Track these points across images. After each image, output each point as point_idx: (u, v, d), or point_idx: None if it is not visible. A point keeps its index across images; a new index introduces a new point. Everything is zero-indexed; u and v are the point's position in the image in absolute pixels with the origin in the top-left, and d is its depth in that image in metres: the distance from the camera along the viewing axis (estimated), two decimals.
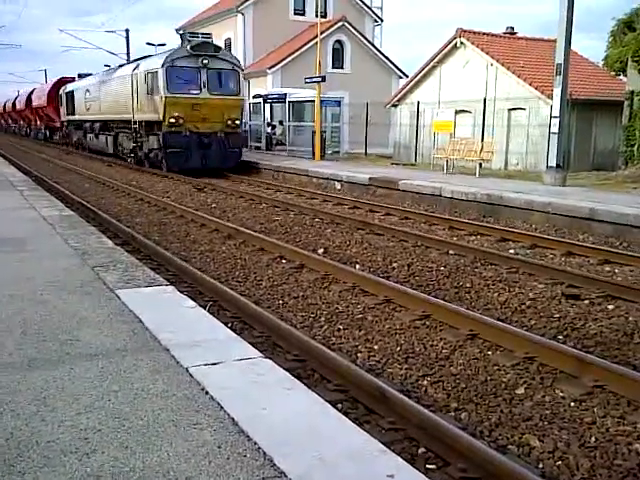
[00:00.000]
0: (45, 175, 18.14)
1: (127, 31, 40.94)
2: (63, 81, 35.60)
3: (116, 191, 15.33)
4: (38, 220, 7.98)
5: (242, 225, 10.45)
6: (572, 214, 10.50)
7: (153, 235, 9.71)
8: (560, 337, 5.39)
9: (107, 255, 6.03)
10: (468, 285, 6.93)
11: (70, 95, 30.65)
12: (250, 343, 3.97)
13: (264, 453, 2.42)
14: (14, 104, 48.62)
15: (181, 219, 11.23)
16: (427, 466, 3.36)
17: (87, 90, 27.17)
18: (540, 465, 3.47)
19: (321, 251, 8.70)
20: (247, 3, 33.11)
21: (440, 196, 13.24)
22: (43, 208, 9.01)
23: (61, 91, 33.23)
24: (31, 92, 43.36)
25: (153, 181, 17.96)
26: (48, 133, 40.49)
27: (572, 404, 4.17)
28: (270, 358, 3.53)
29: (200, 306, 4.63)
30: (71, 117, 30.93)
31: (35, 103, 40.73)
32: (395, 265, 7.84)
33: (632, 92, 17.67)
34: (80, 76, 31.54)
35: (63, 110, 32.59)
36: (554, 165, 14.36)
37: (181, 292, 5.10)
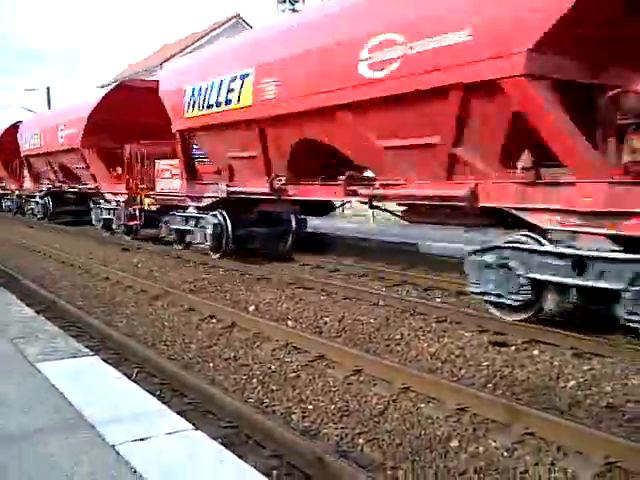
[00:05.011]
0: None
1: (48, 89, 40.42)
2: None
3: (38, 254, 14.83)
4: None
5: (170, 285, 10.26)
6: None
7: (77, 300, 9.38)
8: (489, 385, 5.48)
9: (28, 325, 5.80)
10: (398, 337, 6.99)
11: None
12: (180, 412, 3.88)
13: None
14: None
15: (106, 281, 10.92)
16: None
17: None
18: None
19: (252, 308, 8.63)
20: (173, 59, 33.32)
21: None
22: None
23: None
24: None
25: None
26: None
27: (505, 453, 4.22)
28: (200, 429, 3.43)
29: (126, 375, 4.49)
30: None
31: None
32: (327, 320, 7.84)
33: None
34: None
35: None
36: None
37: (106, 361, 4.95)
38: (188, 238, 13.94)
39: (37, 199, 23.88)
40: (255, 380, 5.73)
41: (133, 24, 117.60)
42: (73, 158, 19.67)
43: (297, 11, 40.03)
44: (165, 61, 31.51)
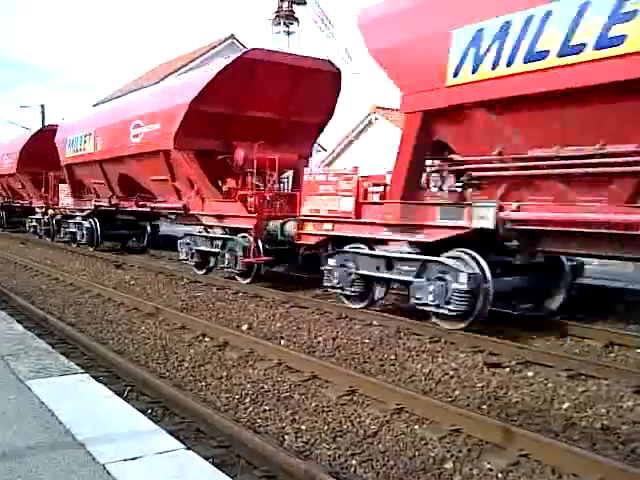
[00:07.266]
0: None
1: (42, 106, 40.41)
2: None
3: (29, 270, 14.71)
4: None
5: (162, 303, 10.19)
6: None
7: (68, 317, 9.30)
8: (484, 407, 5.44)
9: (18, 342, 5.73)
10: (392, 357, 6.95)
11: None
12: (171, 432, 3.82)
13: None
14: None
15: (98, 298, 10.84)
16: None
17: None
18: None
19: (245, 327, 8.57)
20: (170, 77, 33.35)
21: None
22: None
23: None
24: None
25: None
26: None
27: (499, 475, 4.17)
28: (192, 448, 3.38)
29: (117, 394, 4.43)
30: None
31: None
32: (320, 339, 7.79)
33: None
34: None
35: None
36: None
37: (97, 379, 4.89)
38: (379, 292, 9.14)
39: (79, 219, 19.19)
40: (248, 399, 5.66)
41: (129, 44, 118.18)
42: (150, 165, 14.34)
43: (291, 33, 40.24)
44: (164, 78, 31.46)
